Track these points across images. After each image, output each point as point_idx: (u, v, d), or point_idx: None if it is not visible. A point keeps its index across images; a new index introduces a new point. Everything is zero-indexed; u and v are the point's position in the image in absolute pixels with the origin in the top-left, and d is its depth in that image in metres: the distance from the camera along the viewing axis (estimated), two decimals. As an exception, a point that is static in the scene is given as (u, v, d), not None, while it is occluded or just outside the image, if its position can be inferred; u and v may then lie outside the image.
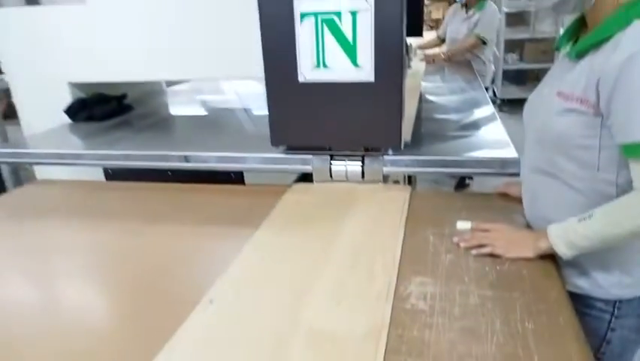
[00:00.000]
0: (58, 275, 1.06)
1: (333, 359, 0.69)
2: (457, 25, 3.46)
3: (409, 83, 2.20)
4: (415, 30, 2.75)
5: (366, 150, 1.31)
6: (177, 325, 0.78)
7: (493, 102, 5.61)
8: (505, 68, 5.70)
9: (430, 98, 2.18)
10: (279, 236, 1.08)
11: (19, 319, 0.88)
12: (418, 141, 1.44)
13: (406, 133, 1.44)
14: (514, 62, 5.74)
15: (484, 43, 3.32)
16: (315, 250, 0.99)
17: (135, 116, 2.05)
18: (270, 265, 0.96)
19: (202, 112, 2.25)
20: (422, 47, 3.61)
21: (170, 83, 2.67)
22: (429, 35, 3.82)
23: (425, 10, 7.10)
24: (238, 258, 0.98)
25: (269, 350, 0.71)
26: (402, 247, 0.98)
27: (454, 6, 3.61)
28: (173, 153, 1.45)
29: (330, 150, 1.33)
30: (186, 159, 1.44)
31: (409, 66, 2.63)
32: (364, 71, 1.21)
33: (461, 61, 3.30)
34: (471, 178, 3.40)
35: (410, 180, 2.02)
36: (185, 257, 1.06)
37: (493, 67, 3.70)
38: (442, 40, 3.73)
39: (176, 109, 2.32)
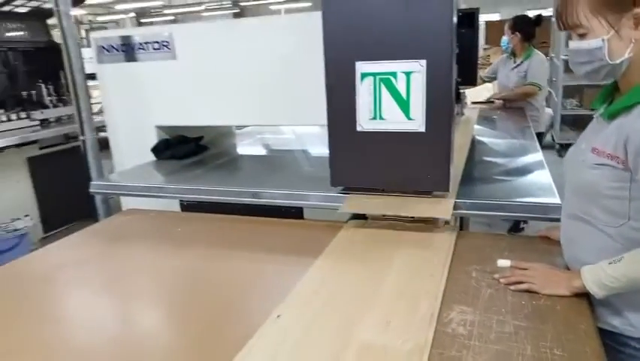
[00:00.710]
0: (144, 293, 1.26)
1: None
2: (506, 73, 3.56)
3: (462, 129, 2.33)
4: (469, 80, 2.89)
5: (416, 192, 1.45)
6: (249, 335, 0.93)
7: (552, 147, 5.59)
8: (564, 113, 5.71)
9: (483, 142, 2.29)
10: (335, 265, 1.23)
11: (102, 332, 1.07)
12: (467, 184, 1.55)
13: (455, 177, 1.57)
14: (572, 107, 5.75)
15: (540, 89, 3.41)
16: (368, 279, 1.13)
17: (209, 155, 2.31)
18: (328, 289, 1.10)
19: (264, 152, 2.48)
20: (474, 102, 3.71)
21: (238, 127, 2.95)
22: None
23: (483, 52, 7.23)
24: (301, 281, 1.14)
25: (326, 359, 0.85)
26: (446, 281, 1.09)
27: (504, 55, 3.73)
28: (245, 190, 1.65)
29: (383, 191, 1.48)
30: (256, 195, 1.64)
31: (462, 113, 2.76)
32: (416, 123, 1.37)
33: (514, 107, 3.38)
34: (525, 222, 3.40)
35: (462, 220, 2.10)
36: (256, 279, 1.23)
37: (546, 112, 3.73)
38: (485, 81, 3.85)
39: (243, 149, 2.57)
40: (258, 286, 1.20)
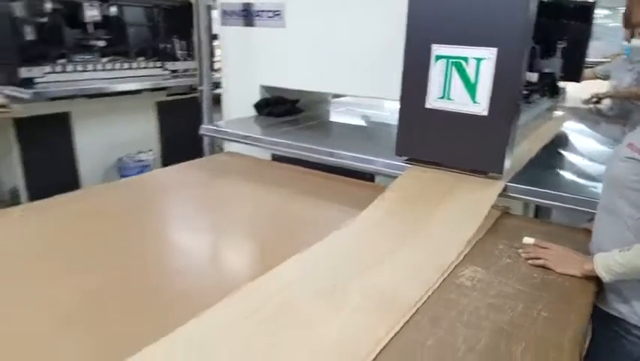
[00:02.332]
0: (232, 215, 1.56)
1: (380, 303, 0.99)
2: (620, 75, 3.34)
3: (549, 123, 2.31)
4: (572, 75, 2.79)
5: (472, 171, 1.57)
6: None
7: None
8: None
9: (572, 141, 2.27)
10: (383, 210, 1.43)
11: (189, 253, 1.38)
12: (529, 173, 1.62)
13: (518, 163, 1.65)
14: None
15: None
16: (403, 226, 1.31)
17: (302, 117, 2.57)
18: (368, 228, 1.30)
19: (352, 121, 2.68)
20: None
21: (335, 95, 3.18)
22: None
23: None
24: (352, 221, 1.35)
25: (341, 282, 1.06)
26: (472, 247, 1.23)
27: (622, 57, 3.48)
28: (323, 149, 1.88)
29: (440, 165, 1.62)
30: (331, 154, 1.87)
31: (555, 108, 2.71)
32: (480, 107, 1.48)
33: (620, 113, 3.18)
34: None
35: (538, 209, 2.08)
36: (316, 217, 1.47)
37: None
38: (597, 77, 3.61)
39: (335, 116, 2.80)
40: (317, 222, 1.43)
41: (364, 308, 0.95)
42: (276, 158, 2.24)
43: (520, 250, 1.20)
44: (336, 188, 1.77)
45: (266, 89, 2.56)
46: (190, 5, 3.71)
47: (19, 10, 3.29)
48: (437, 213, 1.39)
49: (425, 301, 0.99)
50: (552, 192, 1.44)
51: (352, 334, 0.87)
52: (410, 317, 0.93)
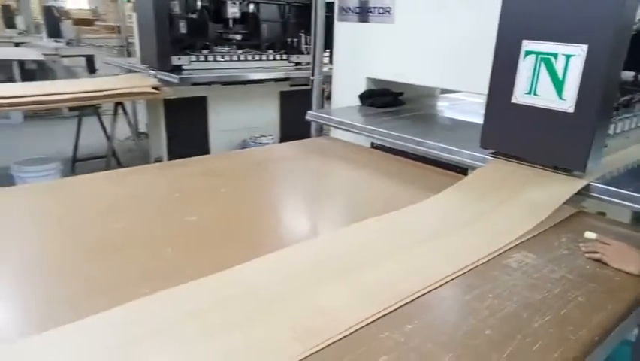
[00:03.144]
0: (321, 192, 1.78)
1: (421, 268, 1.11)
2: None
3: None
4: None
5: (555, 167, 1.57)
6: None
7: None
8: None
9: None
10: (454, 195, 1.52)
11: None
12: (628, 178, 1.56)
13: (614, 165, 1.60)
14: None
15: None
16: (467, 211, 1.39)
17: (403, 109, 2.69)
18: (435, 209, 1.41)
19: (457, 116, 2.71)
20: None
21: (444, 91, 3.22)
22: None
23: None
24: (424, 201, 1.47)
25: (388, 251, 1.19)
26: (534, 236, 1.27)
27: None
28: (410, 137, 2.00)
29: (524, 160, 1.64)
30: (418, 143, 1.97)
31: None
32: (567, 103, 1.48)
33: None
34: None
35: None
36: (394, 195, 1.61)
37: None
38: None
39: (439, 110, 2.86)
40: (393, 198, 1.58)
41: (403, 271, 1.08)
42: (375, 146, 2.40)
43: (581, 244, 1.21)
44: (422, 175, 1.88)
45: (371, 80, 2.72)
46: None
47: (176, 7, 3.88)
48: (504, 204, 1.44)
49: (463, 274, 1.08)
50: (632, 193, 1.39)
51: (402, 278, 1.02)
52: (443, 283, 1.03)
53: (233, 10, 4.21)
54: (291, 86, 4.57)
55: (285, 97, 4.63)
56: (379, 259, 1.13)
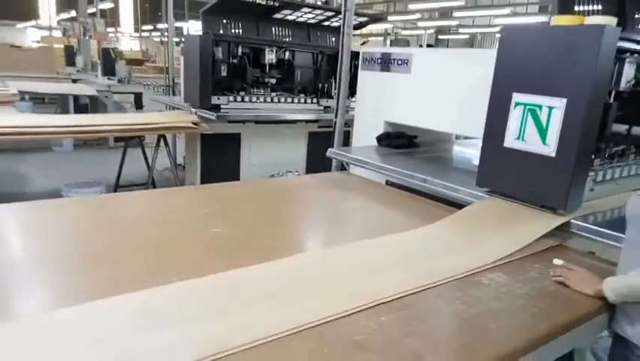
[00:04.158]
0: (331, 215, 2.00)
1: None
2: None
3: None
4: None
5: (542, 205, 1.74)
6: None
7: None
8: None
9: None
10: (445, 224, 1.70)
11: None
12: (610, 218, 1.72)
13: (599, 208, 1.76)
14: None
15: None
16: (450, 238, 1.58)
17: (418, 151, 2.91)
18: (424, 235, 1.60)
19: (470, 159, 2.91)
20: None
21: (459, 136, 3.43)
22: None
23: None
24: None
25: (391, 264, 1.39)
26: (510, 260, 1.45)
27: None
28: (416, 175, 2.21)
29: (514, 198, 1.82)
30: (424, 180, 2.18)
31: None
32: (549, 149, 1.67)
33: None
34: None
35: None
36: (393, 223, 1.82)
37: None
38: None
39: (457, 155, 3.06)
40: (398, 225, 1.78)
41: (392, 279, 1.28)
42: (389, 183, 2.62)
43: (550, 270, 1.38)
44: (424, 208, 2.07)
45: (389, 124, 2.97)
46: (352, 52, 4.36)
47: (219, 53, 4.30)
48: (487, 233, 1.62)
49: (439, 285, 1.26)
50: (607, 231, 1.55)
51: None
52: (421, 290, 1.22)
53: (270, 57, 4.61)
54: (319, 127, 4.89)
55: (312, 137, 4.93)
56: (371, 269, 1.33)
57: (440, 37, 17.76)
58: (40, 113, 6.13)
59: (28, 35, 20.50)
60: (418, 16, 15.68)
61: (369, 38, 17.13)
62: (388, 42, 16.62)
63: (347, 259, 1.42)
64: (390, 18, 15.04)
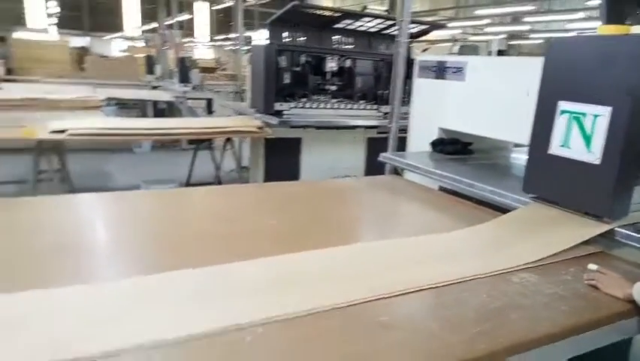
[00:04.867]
0: (376, 214, 2.12)
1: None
2: None
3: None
4: None
5: (586, 213, 1.76)
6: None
7: None
8: None
9: None
10: (487, 228, 1.77)
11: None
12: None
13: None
14: None
15: None
16: (491, 240, 1.64)
17: (472, 158, 2.95)
18: (463, 237, 1.68)
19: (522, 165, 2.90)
20: None
21: (518, 145, 3.41)
22: None
23: None
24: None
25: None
26: (545, 263, 1.49)
27: None
28: (464, 180, 2.27)
29: (559, 204, 1.84)
30: (471, 185, 2.24)
31: None
32: (594, 156, 1.69)
33: None
34: None
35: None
36: (436, 224, 1.91)
37: None
38: None
39: (513, 162, 3.06)
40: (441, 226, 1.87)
41: (431, 272, 1.39)
42: (442, 189, 2.69)
43: (584, 274, 1.42)
44: (470, 213, 2.13)
45: (443, 130, 3.04)
46: (410, 59, 4.45)
47: (283, 61, 4.55)
48: (528, 236, 1.67)
49: (471, 280, 1.35)
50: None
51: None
52: (449, 284, 1.32)
53: (331, 65, 4.80)
54: (378, 133, 4.99)
55: (371, 142, 5.05)
56: (410, 262, 1.44)
57: (512, 42, 17.15)
58: (123, 117, 6.73)
59: (115, 46, 22.30)
60: (487, 21, 15.29)
61: (437, 45, 16.91)
62: (456, 48, 16.32)
63: (388, 252, 1.54)
64: (458, 24, 14.79)
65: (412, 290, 1.26)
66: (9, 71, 10.47)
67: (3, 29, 13.12)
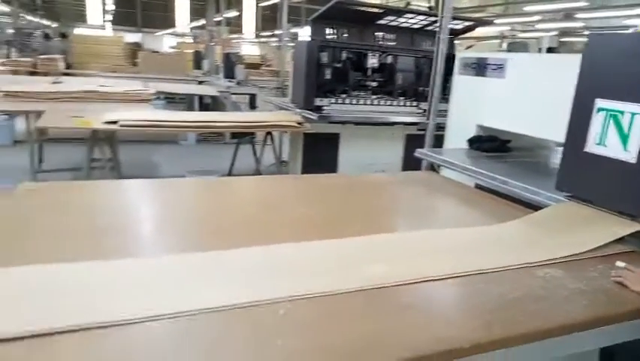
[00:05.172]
0: (406, 208, 2.16)
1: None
2: None
3: None
4: None
5: (620, 212, 1.74)
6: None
7: None
8: None
9: None
10: (517, 223, 1.78)
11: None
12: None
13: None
14: None
15: None
16: (520, 236, 1.66)
17: (510, 155, 2.92)
18: (493, 231, 1.71)
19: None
20: None
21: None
22: None
23: None
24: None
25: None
26: (573, 260, 1.50)
27: None
28: (497, 176, 2.27)
29: (593, 203, 1.83)
30: (504, 182, 2.24)
31: None
32: (630, 155, 1.67)
33: None
34: None
35: None
36: (477, 221, 1.94)
37: None
38: None
39: (555, 161, 3.01)
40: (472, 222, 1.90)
41: (455, 261, 1.43)
42: (479, 187, 2.69)
43: (612, 271, 1.42)
44: (503, 210, 2.13)
45: (481, 127, 3.03)
46: (453, 56, 4.43)
47: (325, 58, 4.63)
48: (554, 234, 1.67)
49: (488, 273, 1.38)
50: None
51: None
52: (474, 274, 1.36)
53: (372, 61, 4.85)
54: (418, 130, 4.99)
55: (410, 139, 5.06)
56: (437, 252, 1.49)
57: (564, 39, 16.49)
58: (171, 110, 7.03)
59: (165, 42, 23.13)
60: (538, 18, 14.78)
61: (483, 42, 16.50)
62: (504, 45, 15.85)
63: (416, 241, 1.59)
64: (507, 20, 14.38)
65: (436, 278, 1.31)
66: (68, 66, 11.11)
67: (65, 26, 13.91)
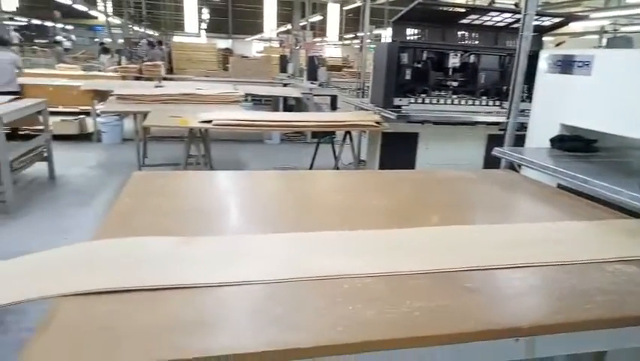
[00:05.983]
0: (475, 205, 2.20)
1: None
2: None
3: None
4: None
5: None
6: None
7: None
8: None
9: None
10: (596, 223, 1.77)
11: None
12: None
13: None
14: None
15: None
16: (588, 234, 1.65)
17: (596, 155, 2.81)
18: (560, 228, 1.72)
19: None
20: None
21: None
22: None
23: None
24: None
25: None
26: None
27: None
28: (578, 175, 2.23)
29: (680, 204, 1.75)
30: (585, 181, 2.19)
31: None
32: None
33: None
34: None
35: None
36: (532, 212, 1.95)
37: None
38: None
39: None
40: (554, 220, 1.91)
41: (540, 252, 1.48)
42: (561, 187, 2.63)
43: None
44: (584, 209, 2.10)
45: (565, 127, 2.94)
46: (535, 54, 4.29)
47: (405, 58, 4.70)
48: (625, 238, 1.64)
49: (556, 265, 1.41)
50: None
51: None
52: (538, 265, 1.40)
53: (454, 61, 4.83)
54: (500, 130, 4.87)
55: (492, 139, 4.95)
56: (509, 244, 1.55)
57: (677, 32, 14.85)
58: (258, 111, 7.48)
59: (254, 47, 24.28)
60: (645, 9, 13.46)
61: (580, 37, 15.40)
62: (604, 41, 14.65)
63: (487, 233, 1.65)
64: (607, 14, 13.31)
65: (503, 267, 1.37)
66: (169, 71, 12.15)
67: (165, 34, 15.20)
